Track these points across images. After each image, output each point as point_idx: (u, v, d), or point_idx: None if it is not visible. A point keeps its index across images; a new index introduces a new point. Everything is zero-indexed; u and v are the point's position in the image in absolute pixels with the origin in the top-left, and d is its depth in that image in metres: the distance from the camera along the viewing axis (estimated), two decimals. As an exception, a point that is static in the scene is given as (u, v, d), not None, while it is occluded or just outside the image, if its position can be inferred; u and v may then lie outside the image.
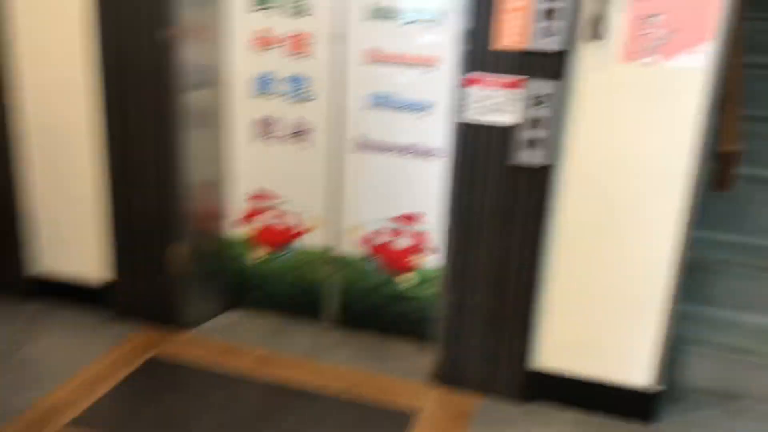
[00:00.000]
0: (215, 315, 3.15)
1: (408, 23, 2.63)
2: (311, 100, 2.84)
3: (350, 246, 2.98)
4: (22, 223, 3.11)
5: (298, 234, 3.04)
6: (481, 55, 2.31)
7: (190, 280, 2.99)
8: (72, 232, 3.08)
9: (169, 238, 2.90)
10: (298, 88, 2.84)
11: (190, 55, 2.72)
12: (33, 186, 3.07)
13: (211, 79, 2.87)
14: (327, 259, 3.03)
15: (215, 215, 3.07)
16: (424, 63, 2.65)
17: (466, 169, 2.44)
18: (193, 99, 2.79)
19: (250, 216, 3.08)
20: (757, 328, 2.83)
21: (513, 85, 2.29)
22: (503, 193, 2.43)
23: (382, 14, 2.65)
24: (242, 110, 2.94)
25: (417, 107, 2.71)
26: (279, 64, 2.83)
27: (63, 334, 2.98)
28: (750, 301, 2.88)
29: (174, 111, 2.72)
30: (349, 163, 2.87)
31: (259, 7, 2.79)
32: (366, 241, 2.95)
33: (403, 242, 2.90)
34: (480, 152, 2.41)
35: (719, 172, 2.45)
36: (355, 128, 2.82)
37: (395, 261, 2.93)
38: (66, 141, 2.95)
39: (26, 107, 2.96)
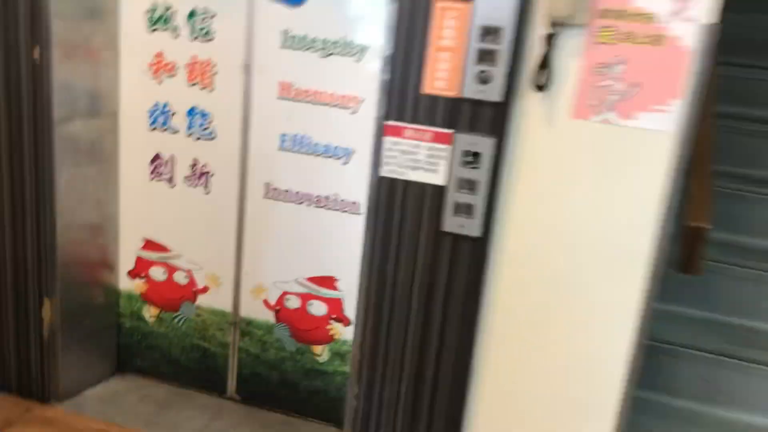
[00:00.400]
0: (96, 382, 2.67)
1: (327, 55, 2.21)
2: (212, 138, 2.40)
3: (255, 309, 2.53)
4: None
5: (194, 292, 2.58)
6: (403, 101, 1.90)
7: (64, 340, 2.50)
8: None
9: (39, 290, 2.42)
10: (198, 124, 2.40)
11: (72, 79, 2.28)
12: None
13: (101, 107, 2.41)
14: (228, 322, 2.58)
15: (100, 265, 2.60)
16: (345, 103, 2.23)
17: (384, 231, 2.03)
18: (77, 130, 2.34)
19: (140, 268, 2.62)
20: (718, 422, 2.45)
21: (439, 139, 1.88)
22: (426, 265, 2.01)
23: (298, 43, 2.23)
24: (134, 145, 2.49)
25: (335, 153, 2.29)
26: (177, 94, 2.39)
27: None
28: (714, 391, 2.49)
29: (49, 143, 2.26)
30: (254, 214, 2.43)
31: (156, 27, 2.35)
32: (273, 304, 2.50)
33: (316, 309, 2.46)
34: (400, 214, 1.99)
35: (687, 251, 2.07)
36: (261, 173, 2.39)
37: (307, 330, 2.49)
38: None
39: None
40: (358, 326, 2.11)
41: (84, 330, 2.58)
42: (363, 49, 2.17)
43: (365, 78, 2.17)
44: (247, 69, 2.30)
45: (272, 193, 2.39)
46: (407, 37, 1.86)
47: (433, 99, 1.87)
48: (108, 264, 2.62)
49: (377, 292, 2.08)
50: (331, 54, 2.20)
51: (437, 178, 1.92)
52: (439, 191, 1.93)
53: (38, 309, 2.43)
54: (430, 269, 2.00)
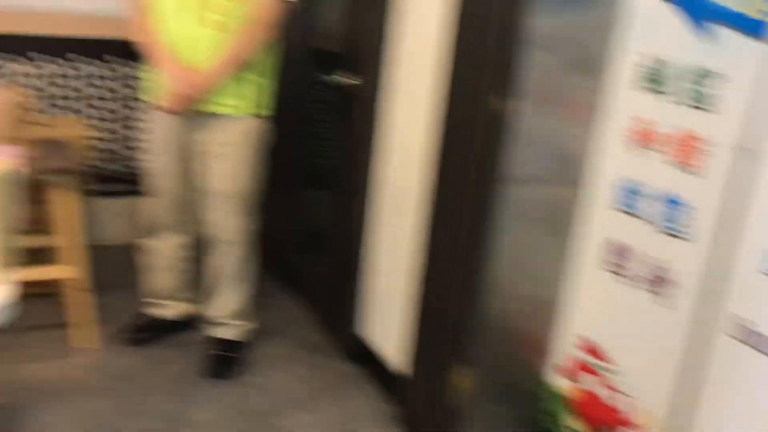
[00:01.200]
0: (502, 475, 2.35)
1: None
2: (686, 238, 1.77)
3: (695, 481, 1.82)
4: (360, 278, 2.86)
5: (627, 424, 2.00)
6: None
7: (473, 414, 2.26)
8: (384, 303, 2.70)
9: (460, 354, 2.23)
10: (671, 215, 1.81)
11: (536, 135, 1.98)
12: (371, 241, 2.79)
13: (564, 172, 2.06)
14: (657, 481, 1.92)
15: (530, 348, 2.25)
16: None
17: None
18: (531, 193, 2.05)
19: (572, 369, 2.17)
20: None
21: None
22: None
23: (837, 125, 1.43)
24: (593, 224, 2.05)
25: None
26: (652, 172, 1.84)
27: (337, 419, 2.60)
28: None
29: (492, 203, 2.02)
30: (721, 354, 1.71)
31: (643, 85, 1.85)
32: (720, 488, 1.75)
33: None
34: None
35: None
36: (741, 302, 1.65)
37: None
38: (399, 208, 2.56)
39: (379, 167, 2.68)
40: None
41: (497, 411, 2.28)
42: None
43: None
44: (748, 153, 1.60)
45: (749, 336, 1.64)
46: None
47: None
48: (539, 350, 2.25)
49: None
50: None
51: None
52: None
53: (457, 373, 2.24)
54: None
